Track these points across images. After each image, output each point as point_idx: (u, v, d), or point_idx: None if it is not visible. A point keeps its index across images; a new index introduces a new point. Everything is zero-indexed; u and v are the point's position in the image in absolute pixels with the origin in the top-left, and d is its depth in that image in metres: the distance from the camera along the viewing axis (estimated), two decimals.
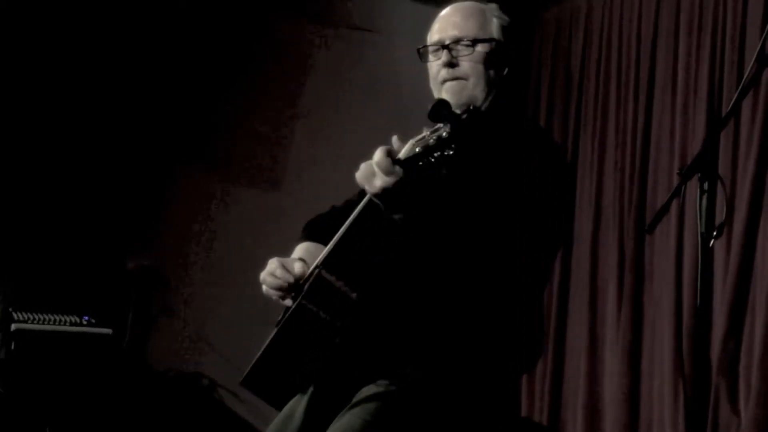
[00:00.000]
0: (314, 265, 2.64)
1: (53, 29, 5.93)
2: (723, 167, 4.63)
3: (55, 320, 5.29)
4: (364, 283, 2.50)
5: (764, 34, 3.32)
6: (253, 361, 2.62)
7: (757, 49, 3.36)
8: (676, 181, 3.41)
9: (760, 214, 4.51)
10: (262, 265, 2.71)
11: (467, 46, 2.73)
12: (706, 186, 2.84)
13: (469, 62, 2.73)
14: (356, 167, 2.48)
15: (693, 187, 2.90)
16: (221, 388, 5.97)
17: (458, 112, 2.38)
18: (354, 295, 2.50)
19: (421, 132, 2.37)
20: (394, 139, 2.41)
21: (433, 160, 2.32)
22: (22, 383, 5.13)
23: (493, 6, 2.84)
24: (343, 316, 2.49)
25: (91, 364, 5.29)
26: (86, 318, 5.37)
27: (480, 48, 2.74)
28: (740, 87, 3.06)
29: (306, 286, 2.57)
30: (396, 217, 2.42)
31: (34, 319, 5.27)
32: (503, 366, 2.60)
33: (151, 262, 6.13)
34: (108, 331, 5.39)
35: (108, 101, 6.08)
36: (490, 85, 2.75)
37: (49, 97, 5.94)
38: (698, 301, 2.91)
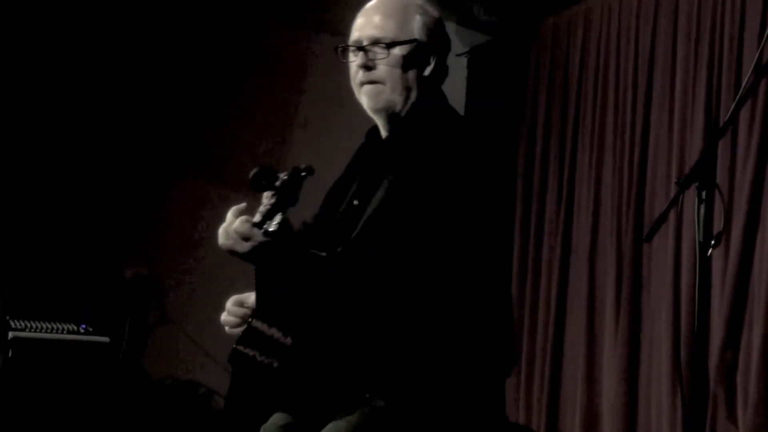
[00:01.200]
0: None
1: (54, 35, 5.94)
2: (721, 176, 4.63)
3: (52, 328, 5.29)
4: (297, 326, 2.48)
5: (762, 44, 3.31)
6: (224, 402, 2.66)
7: (755, 58, 3.36)
8: (673, 190, 3.41)
9: (758, 223, 4.51)
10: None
11: (384, 48, 2.63)
12: (704, 195, 2.82)
13: (385, 66, 2.63)
14: None
15: (691, 196, 2.89)
16: (218, 396, 5.97)
17: (282, 174, 2.46)
18: (288, 339, 2.48)
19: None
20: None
21: (271, 228, 2.42)
22: (20, 391, 5.13)
23: (419, 3, 2.72)
24: (280, 359, 2.48)
25: (89, 372, 5.29)
26: (83, 326, 5.37)
27: (398, 51, 2.63)
28: (738, 96, 3.05)
29: (239, 335, 2.58)
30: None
31: (32, 327, 5.27)
32: (479, 380, 2.56)
33: (148, 271, 6.14)
34: (105, 339, 5.39)
35: (106, 109, 6.09)
36: (409, 88, 2.65)
37: (48, 106, 5.95)
38: (696, 309, 2.90)
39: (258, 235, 2.45)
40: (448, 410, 2.49)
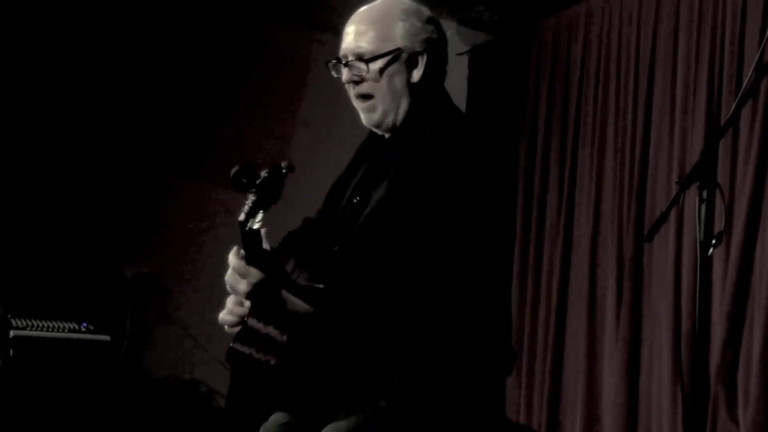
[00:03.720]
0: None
1: (54, 35, 5.94)
2: (722, 176, 4.64)
3: (53, 327, 5.29)
4: (293, 325, 2.47)
5: (762, 43, 3.32)
6: (225, 401, 2.65)
7: (756, 58, 3.37)
8: (674, 189, 3.42)
9: (758, 222, 4.51)
10: None
11: (366, 62, 2.61)
12: (704, 194, 2.83)
13: (369, 80, 2.62)
14: None
15: (692, 196, 2.90)
16: (219, 395, 5.97)
17: (263, 172, 2.43)
18: (284, 337, 2.47)
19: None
20: None
21: (255, 227, 2.40)
22: (21, 390, 5.13)
23: (403, 7, 2.67)
24: (276, 357, 2.47)
25: (90, 370, 5.29)
26: (85, 325, 5.37)
27: (379, 63, 2.61)
28: (739, 96, 3.06)
29: (236, 333, 2.58)
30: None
31: (33, 325, 5.27)
32: (478, 379, 2.55)
33: (149, 270, 6.14)
34: (106, 337, 5.39)
35: (106, 108, 6.09)
36: (398, 96, 2.62)
37: (48, 105, 5.95)
38: (697, 309, 2.91)
39: (253, 273, 2.43)
40: (450, 410, 2.49)
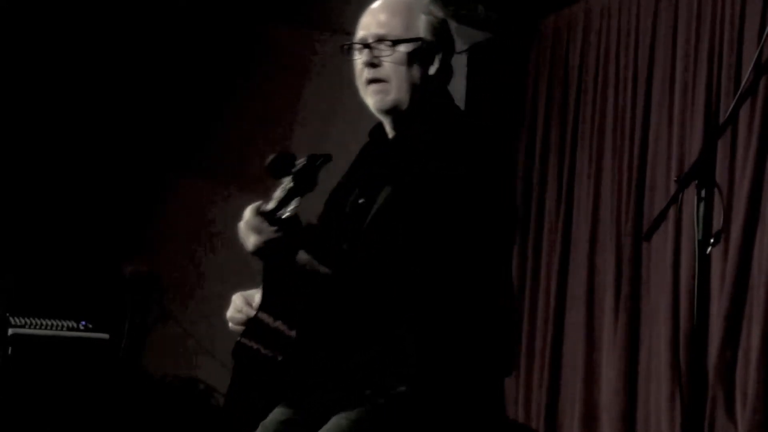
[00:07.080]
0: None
1: (54, 35, 5.94)
2: (720, 175, 4.64)
3: (52, 325, 5.30)
4: (302, 320, 2.47)
5: (761, 42, 3.32)
6: (223, 402, 2.66)
7: (755, 56, 3.37)
8: (673, 188, 3.42)
9: (757, 222, 4.52)
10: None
11: (389, 46, 2.64)
12: (703, 194, 2.83)
13: (390, 63, 2.64)
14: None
15: (690, 195, 2.90)
16: (217, 394, 5.98)
17: (300, 161, 2.39)
18: (293, 332, 2.47)
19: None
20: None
21: (288, 213, 2.37)
22: (20, 388, 5.14)
23: (425, 2, 2.73)
24: (284, 352, 2.47)
25: (88, 369, 5.29)
26: (83, 323, 5.37)
27: (403, 48, 2.64)
28: (738, 95, 3.07)
29: (244, 327, 2.57)
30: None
31: (32, 323, 5.27)
32: (481, 378, 2.57)
33: (148, 268, 6.14)
34: (105, 336, 5.40)
35: (105, 107, 6.09)
36: (414, 85, 2.65)
37: (48, 103, 5.96)
38: (695, 308, 2.91)
39: (267, 231, 2.38)
40: (450, 408, 2.50)
